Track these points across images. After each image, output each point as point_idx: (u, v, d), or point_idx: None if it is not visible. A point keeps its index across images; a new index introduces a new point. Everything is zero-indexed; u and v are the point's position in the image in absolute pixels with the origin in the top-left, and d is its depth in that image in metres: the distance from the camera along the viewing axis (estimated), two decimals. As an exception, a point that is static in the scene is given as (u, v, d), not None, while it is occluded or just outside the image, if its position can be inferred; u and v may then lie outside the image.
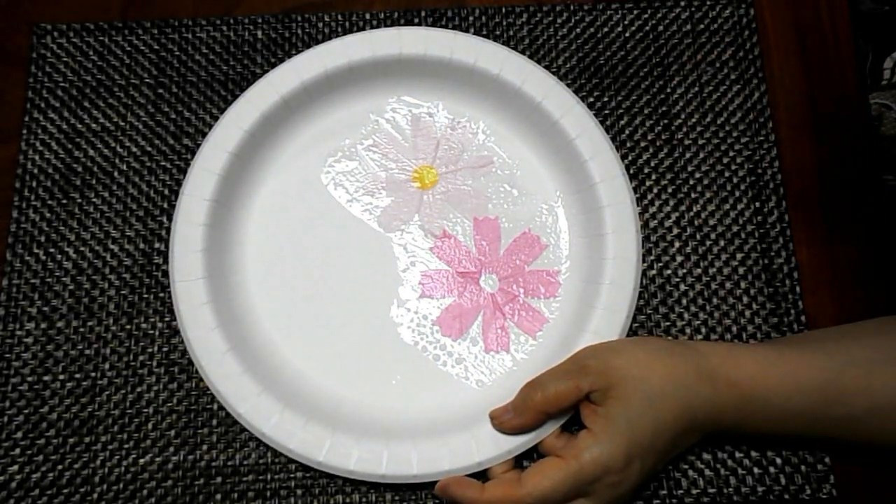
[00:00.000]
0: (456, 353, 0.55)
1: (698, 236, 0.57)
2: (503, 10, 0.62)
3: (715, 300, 0.56)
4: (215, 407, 0.54)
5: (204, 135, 0.58)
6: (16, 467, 0.53)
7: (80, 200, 0.58)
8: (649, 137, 0.59)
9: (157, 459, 0.53)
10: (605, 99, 0.60)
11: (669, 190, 0.58)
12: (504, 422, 0.50)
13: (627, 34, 0.61)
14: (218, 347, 0.52)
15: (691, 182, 0.59)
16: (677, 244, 0.57)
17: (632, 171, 0.58)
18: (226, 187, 0.55)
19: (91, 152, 0.59)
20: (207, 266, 0.53)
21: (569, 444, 0.47)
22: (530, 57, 0.60)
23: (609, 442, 0.45)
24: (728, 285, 0.57)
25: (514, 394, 0.50)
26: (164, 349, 0.55)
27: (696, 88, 0.60)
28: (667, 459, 0.49)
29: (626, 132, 0.59)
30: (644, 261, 0.57)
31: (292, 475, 0.53)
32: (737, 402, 0.47)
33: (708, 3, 0.62)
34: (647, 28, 0.62)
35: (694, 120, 0.60)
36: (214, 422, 0.54)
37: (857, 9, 0.63)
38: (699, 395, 0.46)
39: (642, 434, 0.46)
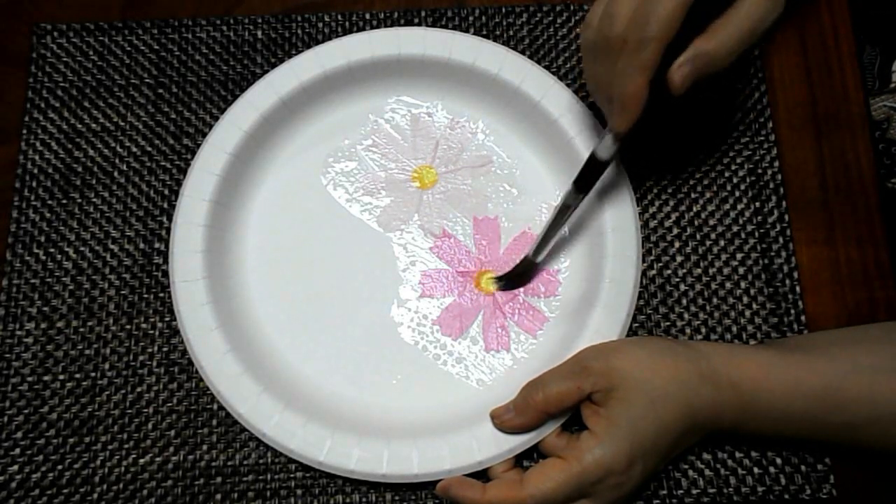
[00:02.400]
0: (456, 352, 0.55)
1: (698, 236, 0.57)
2: (503, 10, 0.62)
3: (715, 300, 0.56)
4: (215, 407, 0.54)
5: (204, 135, 0.58)
6: (16, 467, 0.53)
7: (80, 200, 0.58)
8: (649, 138, 0.59)
9: (157, 459, 0.53)
10: (605, 99, 0.60)
11: (669, 190, 0.58)
12: (505, 421, 0.50)
13: (627, 34, 0.61)
14: (218, 348, 0.52)
15: (691, 182, 0.58)
16: (677, 244, 0.57)
17: (632, 172, 0.58)
18: (225, 188, 0.55)
19: (91, 152, 0.59)
20: (207, 267, 0.54)
21: (570, 444, 0.47)
22: (530, 57, 0.60)
23: (611, 444, 0.45)
24: (728, 285, 0.57)
25: (515, 393, 0.50)
26: (164, 349, 0.55)
27: (696, 88, 0.60)
28: (668, 460, 0.49)
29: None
30: (644, 261, 0.57)
31: (292, 475, 0.53)
32: (738, 404, 0.47)
33: (708, 3, 0.62)
34: (647, 28, 0.61)
35: (694, 120, 0.60)
36: (214, 422, 0.54)
37: (865, 12, 0.63)
38: (701, 396, 0.46)
39: (644, 435, 0.46)
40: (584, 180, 0.50)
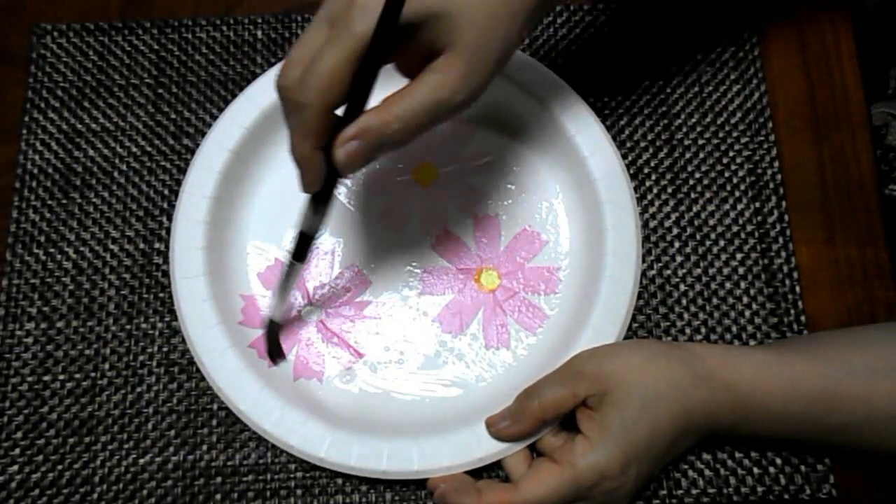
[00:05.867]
0: (456, 349, 0.55)
1: (698, 236, 0.57)
2: (503, 10, 0.62)
3: (715, 300, 0.56)
4: (215, 407, 0.54)
5: (204, 134, 0.58)
6: (16, 467, 0.52)
7: (80, 200, 0.58)
8: (649, 137, 0.59)
9: (157, 459, 0.53)
10: (605, 99, 0.60)
11: (669, 190, 0.58)
12: (501, 430, 0.49)
13: (627, 34, 0.62)
14: (219, 344, 0.52)
15: (691, 182, 0.59)
16: (677, 244, 0.57)
17: (632, 171, 0.59)
18: (226, 185, 0.55)
19: (91, 152, 0.59)
20: (208, 263, 0.54)
21: (565, 447, 0.47)
22: (530, 56, 0.60)
23: (605, 448, 0.45)
24: (728, 285, 0.57)
25: (515, 390, 0.50)
26: (164, 349, 0.55)
27: (696, 88, 0.60)
28: (663, 464, 0.49)
29: (626, 132, 0.59)
30: (644, 261, 0.57)
31: (292, 475, 0.53)
32: (733, 406, 0.47)
33: (708, 2, 0.62)
34: (648, 28, 0.62)
35: (694, 120, 0.60)
36: (214, 422, 0.54)
37: (864, 10, 0.63)
38: (695, 399, 0.46)
39: (638, 439, 0.46)
40: (298, 251, 0.47)
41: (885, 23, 0.64)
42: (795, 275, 0.57)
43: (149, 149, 0.59)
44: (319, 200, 0.44)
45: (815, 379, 0.46)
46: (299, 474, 0.53)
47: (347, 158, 0.40)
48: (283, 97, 0.39)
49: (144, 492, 0.52)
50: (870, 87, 0.62)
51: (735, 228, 0.58)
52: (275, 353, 0.54)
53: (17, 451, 0.53)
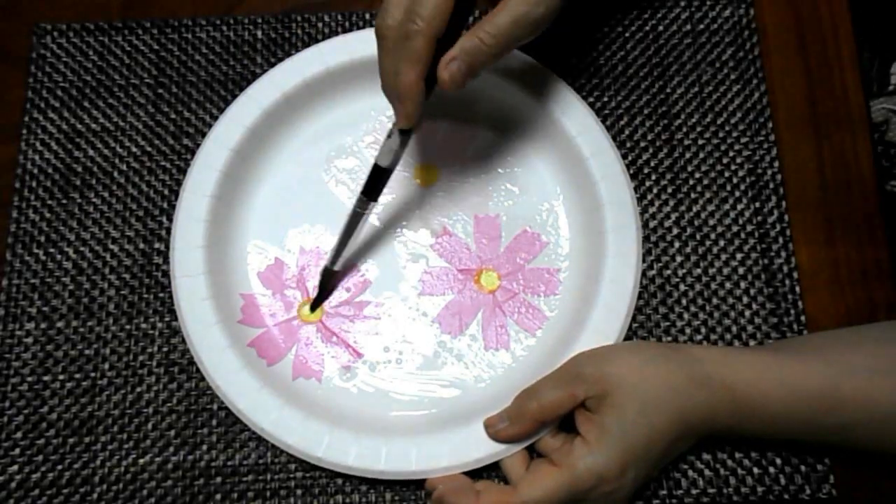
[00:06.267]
0: (455, 349, 0.55)
1: (698, 236, 0.57)
2: (503, 10, 0.62)
3: (715, 300, 0.56)
4: (215, 407, 0.54)
5: (204, 134, 0.58)
6: (16, 467, 0.52)
7: (80, 200, 0.58)
8: (649, 137, 0.59)
9: (157, 459, 0.53)
10: (605, 99, 0.60)
11: (669, 190, 0.58)
12: (499, 431, 0.49)
13: (627, 34, 0.62)
14: (218, 343, 0.52)
15: (691, 182, 0.59)
16: (677, 244, 0.57)
17: (632, 171, 0.58)
18: (227, 184, 0.55)
19: (91, 152, 0.59)
20: (208, 262, 0.54)
21: (564, 449, 0.47)
22: (530, 56, 0.60)
23: (603, 451, 0.45)
24: (728, 285, 0.56)
25: (513, 391, 0.50)
26: (164, 349, 0.55)
27: (696, 88, 0.60)
28: (661, 466, 0.49)
29: (626, 132, 0.59)
30: (644, 261, 0.57)
31: (292, 475, 0.53)
32: (731, 407, 0.47)
33: (708, 3, 0.62)
34: (647, 28, 0.62)
35: (694, 120, 0.60)
36: (214, 422, 0.54)
37: (863, 16, 0.63)
38: (693, 401, 0.46)
39: (637, 442, 0.46)
40: (371, 187, 0.51)
41: (885, 16, 0.64)
42: (795, 275, 0.57)
43: (149, 149, 0.59)
44: (406, 134, 0.48)
45: (814, 379, 0.46)
46: (299, 474, 0.53)
47: (451, 78, 0.45)
48: (388, 35, 0.44)
49: (144, 492, 0.52)
50: (870, 83, 0.62)
51: (735, 228, 0.58)
52: (319, 300, 0.55)
53: (17, 451, 0.53)
